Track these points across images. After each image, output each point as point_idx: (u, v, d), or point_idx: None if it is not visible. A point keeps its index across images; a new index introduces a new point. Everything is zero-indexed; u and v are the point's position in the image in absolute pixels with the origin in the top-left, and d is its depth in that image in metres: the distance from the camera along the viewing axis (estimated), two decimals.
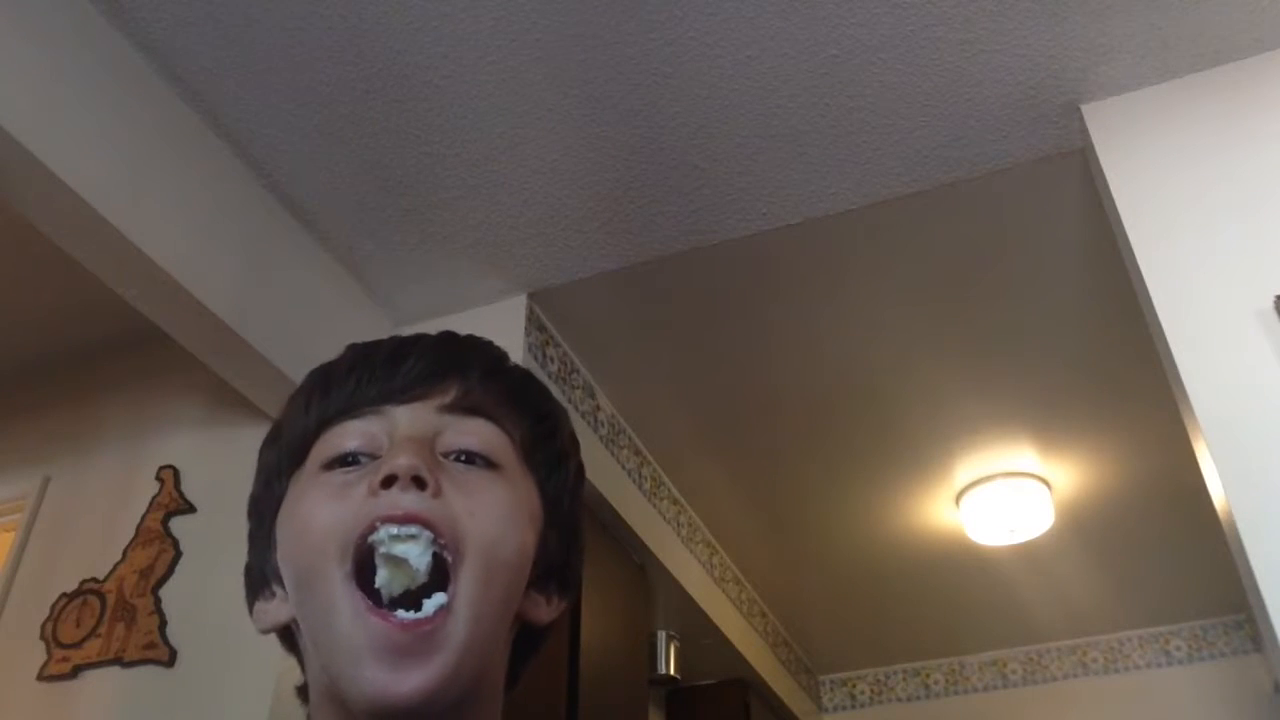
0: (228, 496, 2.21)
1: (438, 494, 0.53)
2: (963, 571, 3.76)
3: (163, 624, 2.08)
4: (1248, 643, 4.11)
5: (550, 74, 1.92)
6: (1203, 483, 1.75)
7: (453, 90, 1.94)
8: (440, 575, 0.52)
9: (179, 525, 2.23)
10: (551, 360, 2.51)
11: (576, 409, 2.60)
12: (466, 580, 0.52)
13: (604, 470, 2.68)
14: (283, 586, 0.57)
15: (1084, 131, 2.02)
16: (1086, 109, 2.01)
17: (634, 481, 2.90)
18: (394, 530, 0.51)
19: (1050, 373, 2.76)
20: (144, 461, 2.37)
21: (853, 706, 4.63)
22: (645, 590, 2.97)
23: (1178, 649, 4.23)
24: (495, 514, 0.55)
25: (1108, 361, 2.68)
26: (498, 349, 0.67)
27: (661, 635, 3.30)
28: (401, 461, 0.53)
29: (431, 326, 2.66)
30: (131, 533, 2.26)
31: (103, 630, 2.13)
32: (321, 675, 0.54)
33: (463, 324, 2.47)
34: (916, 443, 3.08)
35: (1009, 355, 2.70)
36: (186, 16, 1.80)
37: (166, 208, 1.86)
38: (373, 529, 0.51)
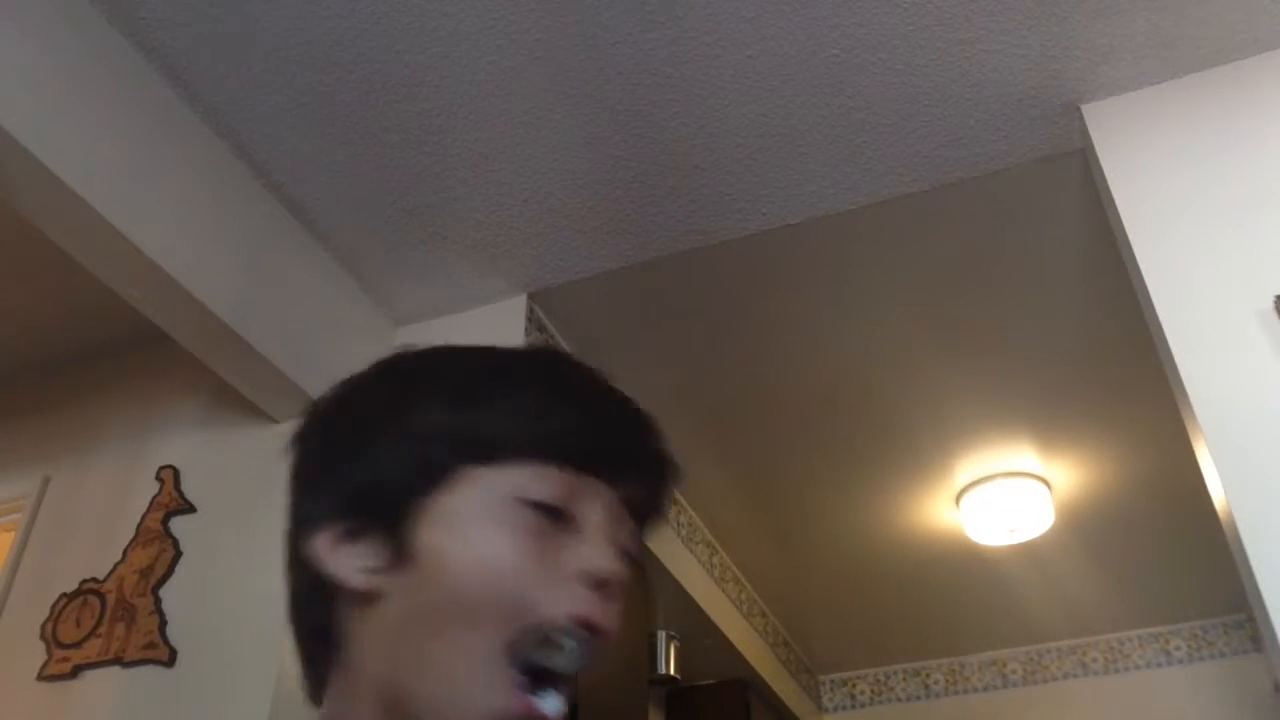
0: (228, 496, 2.21)
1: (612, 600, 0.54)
2: (963, 571, 3.76)
3: (163, 624, 2.08)
4: (1248, 643, 4.11)
5: (550, 74, 1.92)
6: (1203, 483, 1.75)
7: (453, 90, 1.94)
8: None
9: (179, 525, 2.22)
10: None
11: None
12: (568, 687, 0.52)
13: None
14: (396, 558, 0.52)
15: (1084, 131, 2.02)
16: (1086, 109, 2.01)
17: None
18: (585, 637, 0.51)
19: (1050, 373, 2.76)
20: (144, 461, 2.36)
21: (853, 706, 4.63)
22: (645, 590, 2.97)
23: (1178, 649, 4.23)
24: (615, 628, 0.55)
25: (1108, 361, 2.68)
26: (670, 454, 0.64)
27: (661, 635, 3.30)
28: (618, 570, 0.53)
29: (432, 326, 2.65)
30: (131, 533, 2.25)
31: (103, 630, 2.13)
32: (386, 678, 0.51)
33: (463, 324, 2.49)
34: (916, 443, 3.08)
35: (1009, 355, 2.70)
36: (186, 17, 1.80)
37: (166, 208, 1.86)
38: (566, 624, 0.50)
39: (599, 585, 0.51)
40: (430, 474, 0.54)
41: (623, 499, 0.57)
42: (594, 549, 0.53)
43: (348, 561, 0.53)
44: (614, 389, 0.61)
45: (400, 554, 0.52)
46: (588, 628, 0.50)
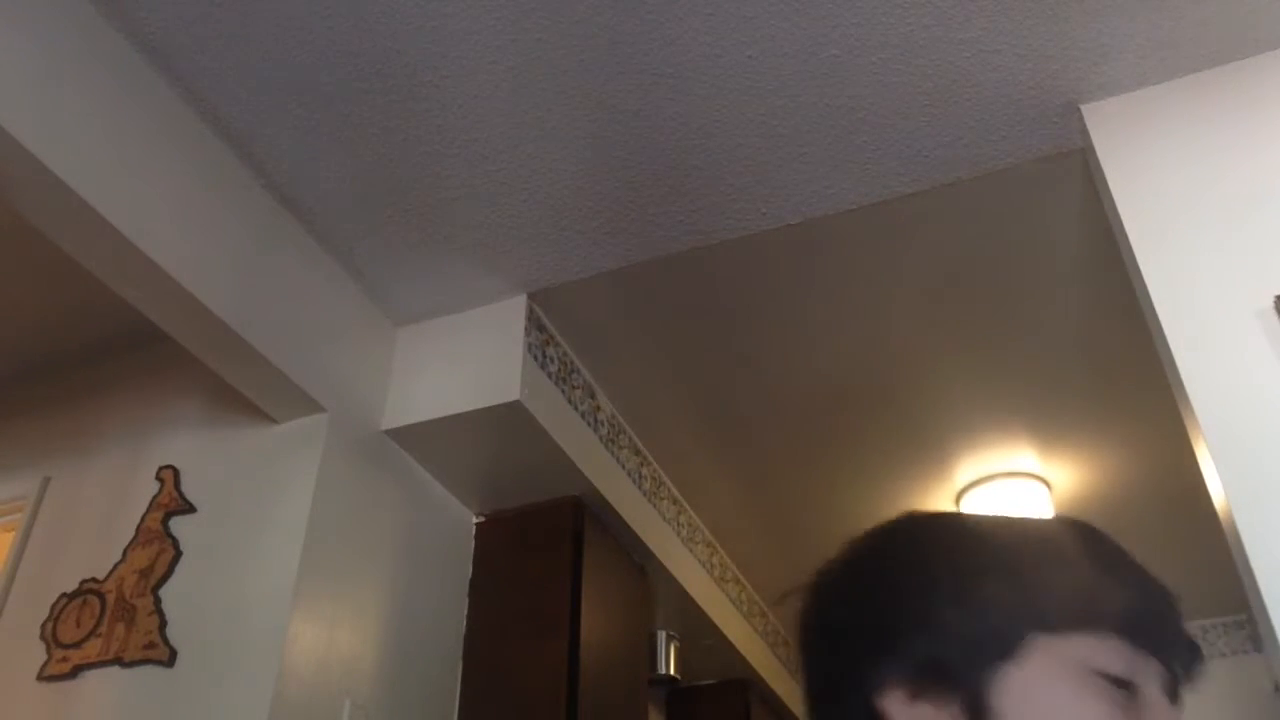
0: (228, 496, 2.21)
1: None
2: None
3: (163, 624, 2.08)
4: (1248, 643, 4.11)
5: (550, 74, 1.92)
6: (1203, 483, 1.75)
7: (453, 90, 1.94)
8: None
9: (179, 525, 2.22)
10: (551, 360, 2.51)
11: (576, 409, 2.60)
12: None
13: (604, 470, 2.68)
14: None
15: (1084, 131, 2.02)
16: (1086, 109, 2.01)
17: (634, 481, 2.90)
18: None
19: (1050, 373, 2.76)
20: (144, 461, 2.36)
21: None
22: (645, 590, 2.97)
23: None
24: None
25: (1108, 361, 2.68)
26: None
27: (661, 635, 3.30)
28: None
29: (432, 327, 2.66)
30: (131, 533, 2.25)
31: (103, 630, 2.13)
32: None
33: (463, 324, 2.49)
34: (916, 443, 3.08)
35: (1009, 355, 2.70)
36: (186, 16, 1.80)
37: (166, 208, 1.86)
38: None
39: None
40: (1004, 643, 0.56)
41: (1164, 686, 0.57)
42: None
43: (921, 716, 0.57)
44: (1145, 567, 0.63)
45: (978, 716, 0.56)
46: None
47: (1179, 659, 0.59)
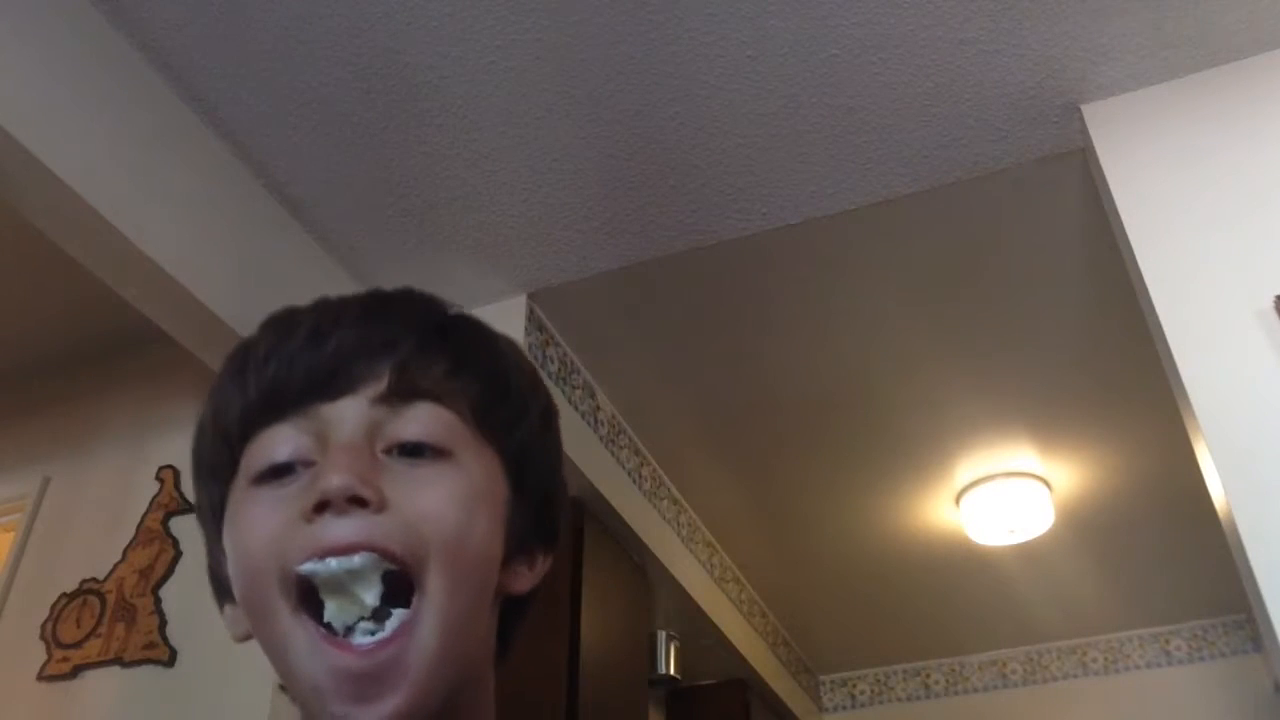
0: None
1: (382, 508, 0.47)
2: (963, 571, 3.76)
3: (163, 624, 2.08)
4: (1248, 643, 4.11)
5: (550, 74, 1.92)
6: (1203, 483, 1.75)
7: (453, 90, 1.94)
8: (399, 585, 0.47)
9: (179, 525, 2.23)
10: (551, 360, 2.51)
11: (576, 409, 2.60)
12: (433, 589, 0.47)
13: (604, 470, 2.68)
14: None
15: (1084, 131, 2.02)
16: (1086, 109, 2.01)
17: (634, 481, 2.90)
18: (334, 565, 0.46)
19: (1050, 373, 2.76)
20: (144, 461, 2.37)
21: (853, 706, 4.63)
22: (645, 590, 2.97)
23: (1178, 649, 4.23)
24: (453, 511, 0.49)
25: (1108, 361, 2.68)
26: (430, 304, 0.58)
27: (661, 635, 3.30)
28: (334, 483, 0.46)
29: None
30: (131, 533, 2.26)
31: (103, 630, 2.13)
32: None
33: None
34: (916, 443, 3.08)
35: (1009, 355, 2.70)
36: (186, 16, 1.80)
37: (166, 208, 1.86)
38: (309, 561, 0.46)
39: (322, 508, 0.47)
40: (216, 509, 0.54)
41: (374, 398, 0.51)
42: (316, 475, 0.48)
43: (237, 625, 0.56)
44: (323, 303, 0.56)
45: None
46: (351, 552, 0.46)
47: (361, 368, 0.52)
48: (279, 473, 0.50)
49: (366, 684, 0.45)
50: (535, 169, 2.11)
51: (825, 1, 1.81)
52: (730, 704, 3.66)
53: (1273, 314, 1.66)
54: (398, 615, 0.47)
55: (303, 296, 0.55)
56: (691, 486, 3.24)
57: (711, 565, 3.47)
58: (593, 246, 2.31)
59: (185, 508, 2.25)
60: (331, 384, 0.51)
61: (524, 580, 0.57)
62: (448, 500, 0.50)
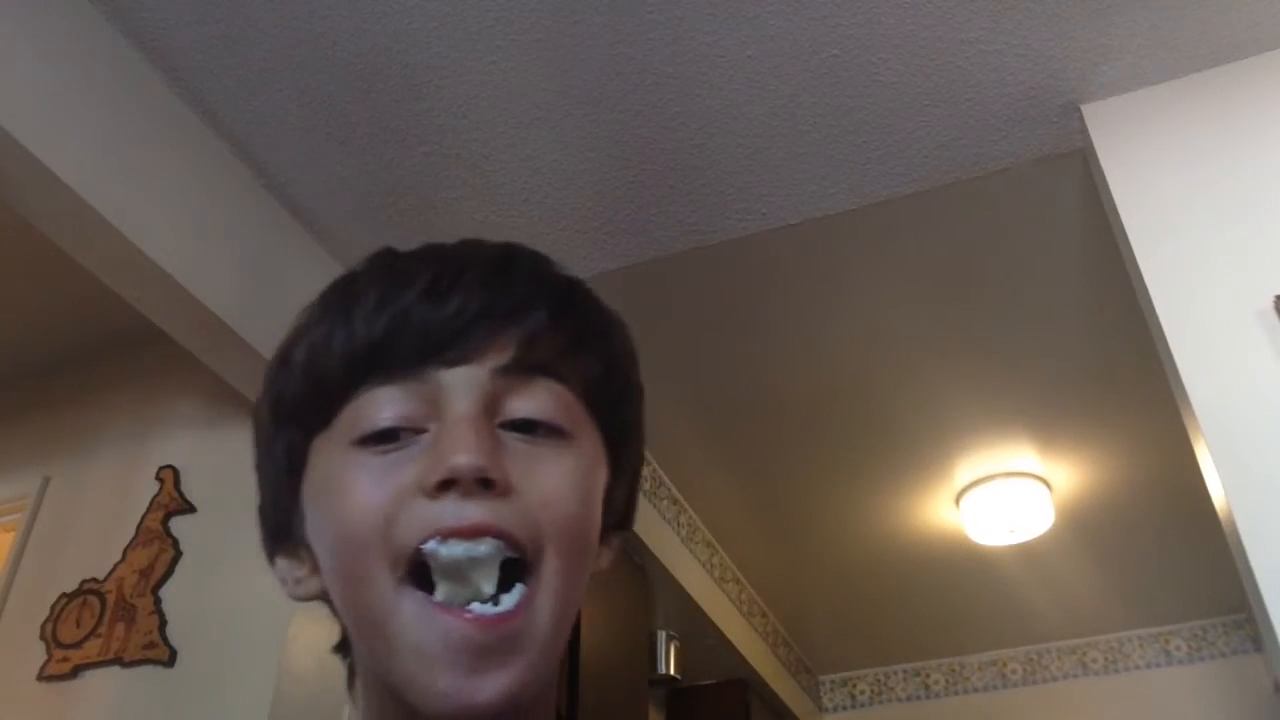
0: (228, 496, 2.21)
1: (508, 492, 0.45)
2: (963, 571, 3.76)
3: (163, 624, 2.08)
4: (1248, 643, 4.11)
5: (550, 74, 1.92)
6: (1203, 483, 1.75)
7: (453, 90, 1.94)
8: (511, 564, 0.45)
9: (179, 525, 2.22)
10: None
11: None
12: (549, 572, 0.46)
13: None
14: (314, 556, 0.50)
15: (1084, 131, 2.02)
16: (1086, 109, 2.01)
17: None
18: (459, 550, 0.44)
19: (1050, 373, 2.76)
20: (144, 461, 2.36)
21: (853, 706, 4.63)
22: (645, 590, 2.97)
23: (1178, 649, 4.23)
24: (574, 495, 0.48)
25: (1108, 361, 2.68)
26: (551, 269, 0.54)
27: (661, 635, 3.30)
28: (462, 461, 0.44)
29: None
30: (131, 533, 2.26)
31: (103, 630, 2.13)
32: (376, 670, 0.47)
33: None
34: (916, 443, 3.08)
35: (1009, 355, 2.70)
36: (186, 16, 1.80)
37: (166, 208, 1.86)
38: (430, 540, 0.44)
39: (446, 485, 0.44)
40: (294, 460, 0.51)
41: (496, 369, 0.48)
42: (437, 446, 0.46)
43: (298, 586, 0.53)
44: (439, 252, 0.52)
45: (308, 544, 0.52)
46: (478, 535, 0.44)
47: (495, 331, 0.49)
48: (384, 438, 0.47)
49: (485, 656, 0.43)
50: (535, 169, 2.11)
51: (825, 1, 1.81)
52: (730, 704, 3.66)
53: (1273, 313, 1.66)
54: (517, 591, 0.45)
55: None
56: (691, 486, 3.24)
57: (711, 565, 3.47)
58: (593, 246, 2.31)
59: (185, 508, 2.25)
60: (451, 348, 0.47)
61: (605, 559, 0.55)
62: (569, 485, 0.48)
